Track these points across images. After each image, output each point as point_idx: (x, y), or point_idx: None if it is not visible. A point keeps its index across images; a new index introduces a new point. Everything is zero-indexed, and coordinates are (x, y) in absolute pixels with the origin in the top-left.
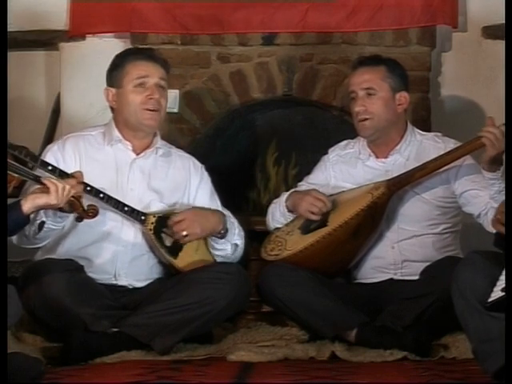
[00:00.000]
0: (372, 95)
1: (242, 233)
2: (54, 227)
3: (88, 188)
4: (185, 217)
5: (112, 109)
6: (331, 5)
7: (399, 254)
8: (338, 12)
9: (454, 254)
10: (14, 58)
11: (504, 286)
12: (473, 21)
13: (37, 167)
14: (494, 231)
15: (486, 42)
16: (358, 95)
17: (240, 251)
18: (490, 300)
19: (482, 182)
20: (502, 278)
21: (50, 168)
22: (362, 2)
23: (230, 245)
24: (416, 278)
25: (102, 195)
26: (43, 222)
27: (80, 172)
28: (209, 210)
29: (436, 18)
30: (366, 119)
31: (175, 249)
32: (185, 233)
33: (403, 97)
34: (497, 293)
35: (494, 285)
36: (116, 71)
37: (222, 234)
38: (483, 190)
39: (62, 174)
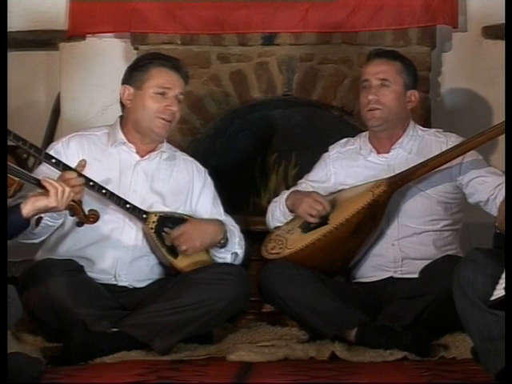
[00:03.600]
0: (386, 86)
1: (243, 242)
2: (50, 223)
3: (91, 183)
4: (183, 231)
5: (123, 107)
6: (331, 5)
7: (399, 251)
8: (338, 12)
9: (454, 254)
10: (14, 58)
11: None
12: (473, 21)
13: (41, 159)
14: (495, 232)
15: (486, 42)
16: (371, 84)
17: (240, 260)
18: (492, 298)
19: (486, 170)
20: (503, 275)
21: (53, 161)
22: (361, 2)
23: (230, 254)
24: (416, 276)
25: (104, 191)
26: (40, 218)
27: (84, 160)
28: (208, 220)
29: (436, 18)
30: (377, 109)
31: (176, 249)
32: (184, 247)
33: (413, 95)
34: (499, 291)
35: (495, 282)
36: (139, 72)
37: (222, 244)
38: (489, 177)
39: (65, 168)
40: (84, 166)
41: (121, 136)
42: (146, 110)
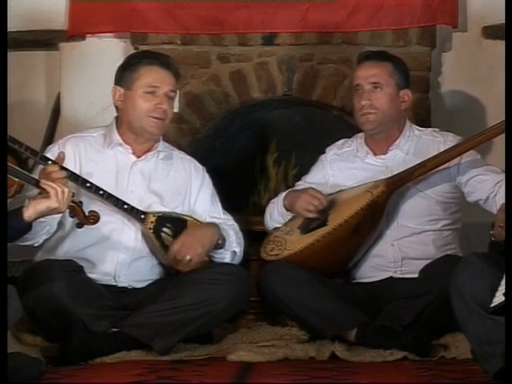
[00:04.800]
0: (378, 90)
1: (241, 240)
2: (41, 219)
3: (88, 184)
4: (182, 242)
5: (117, 108)
6: (331, 5)
7: (399, 251)
8: (338, 12)
9: (454, 253)
10: (14, 58)
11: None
12: (473, 21)
13: (36, 161)
14: (491, 239)
15: (486, 42)
16: (363, 89)
17: (239, 258)
18: (492, 305)
19: (484, 168)
20: (503, 281)
21: (49, 163)
22: (361, 2)
23: (229, 253)
24: (415, 276)
25: (101, 192)
26: None
27: (62, 152)
28: (202, 226)
29: (436, 18)
30: (371, 113)
31: None
32: (188, 257)
33: (407, 95)
34: (499, 297)
35: (493, 287)
36: (128, 71)
37: (221, 244)
38: (488, 175)
39: (61, 169)
40: (63, 159)
41: (117, 137)
42: (136, 110)
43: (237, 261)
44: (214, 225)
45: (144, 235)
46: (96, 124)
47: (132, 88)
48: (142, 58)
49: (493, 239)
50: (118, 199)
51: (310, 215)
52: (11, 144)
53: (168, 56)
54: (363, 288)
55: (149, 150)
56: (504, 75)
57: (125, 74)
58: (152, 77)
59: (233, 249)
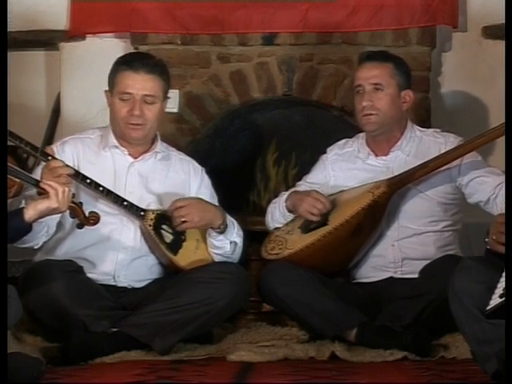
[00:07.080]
0: (379, 91)
1: (241, 232)
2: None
3: (88, 181)
4: (187, 203)
5: None
6: (331, 5)
7: (399, 251)
8: (338, 12)
9: (454, 254)
10: (13, 58)
11: (502, 292)
12: (473, 21)
13: (37, 157)
14: (486, 247)
15: (486, 42)
16: (364, 90)
17: (239, 251)
18: (488, 308)
19: (485, 170)
20: (499, 285)
21: (49, 158)
22: (361, 2)
23: (229, 243)
24: (416, 276)
25: (101, 188)
26: None
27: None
28: (212, 204)
29: (436, 18)
30: (372, 114)
31: (175, 246)
32: (183, 219)
33: (408, 95)
34: (495, 300)
35: (490, 290)
36: (111, 76)
37: (221, 230)
38: (489, 177)
39: (44, 154)
40: (51, 152)
41: (112, 139)
42: (115, 117)
43: (237, 253)
44: (222, 209)
45: (143, 233)
46: (96, 124)
47: (113, 94)
48: (122, 63)
49: (488, 247)
50: (117, 196)
51: (314, 218)
52: (11, 139)
53: (152, 57)
54: (363, 288)
55: (146, 151)
56: (504, 75)
57: (109, 78)
58: (124, 83)
59: (233, 239)
